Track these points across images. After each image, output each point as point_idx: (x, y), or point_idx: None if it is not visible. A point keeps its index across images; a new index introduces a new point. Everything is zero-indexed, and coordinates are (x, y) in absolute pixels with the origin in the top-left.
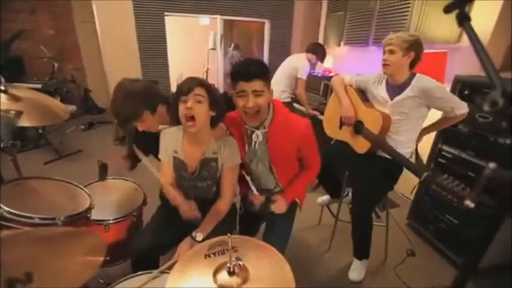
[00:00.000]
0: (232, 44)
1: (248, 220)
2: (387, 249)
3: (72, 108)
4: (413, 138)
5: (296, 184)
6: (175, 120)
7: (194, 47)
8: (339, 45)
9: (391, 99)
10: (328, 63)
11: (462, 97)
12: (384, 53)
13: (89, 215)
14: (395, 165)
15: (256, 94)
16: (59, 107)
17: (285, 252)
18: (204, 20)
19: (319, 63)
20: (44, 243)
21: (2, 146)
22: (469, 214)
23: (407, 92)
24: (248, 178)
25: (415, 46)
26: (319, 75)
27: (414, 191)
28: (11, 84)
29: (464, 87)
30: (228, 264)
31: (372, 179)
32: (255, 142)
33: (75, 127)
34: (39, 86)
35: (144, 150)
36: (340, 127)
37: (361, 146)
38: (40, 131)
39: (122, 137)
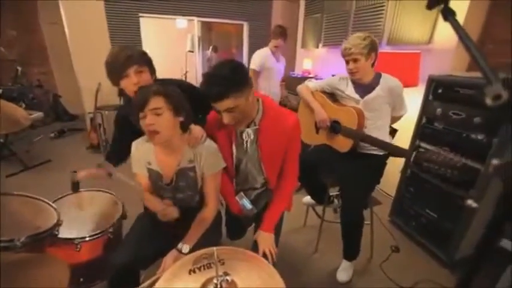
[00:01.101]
0: (211, 47)
1: (234, 224)
2: (372, 246)
3: (38, 115)
4: (387, 131)
5: (272, 212)
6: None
7: (171, 50)
8: (318, 46)
9: (362, 97)
10: (308, 64)
11: (436, 96)
12: (348, 62)
13: (56, 233)
14: (378, 159)
15: (229, 111)
16: (19, 114)
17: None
18: (181, 22)
19: (282, 43)
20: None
21: None
22: (446, 207)
23: (377, 91)
24: (238, 199)
25: (373, 47)
26: (299, 76)
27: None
28: None
29: (438, 87)
30: (215, 281)
31: (359, 177)
32: (245, 141)
33: (44, 135)
34: (0, 91)
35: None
36: (317, 132)
37: (342, 144)
38: (1, 140)
39: (97, 144)
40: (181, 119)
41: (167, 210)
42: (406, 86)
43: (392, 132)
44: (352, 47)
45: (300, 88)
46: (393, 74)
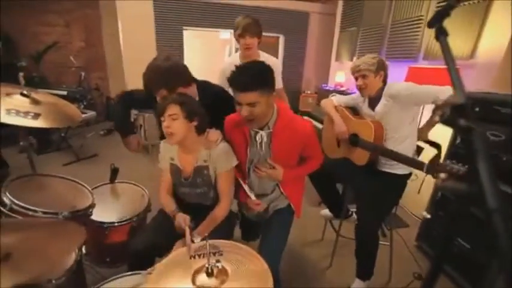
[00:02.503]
0: None
1: (248, 226)
2: (392, 270)
3: (91, 114)
4: (409, 144)
5: (297, 168)
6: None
7: (211, 59)
8: (352, 60)
9: (373, 111)
10: (340, 77)
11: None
12: (356, 79)
13: (89, 213)
14: (397, 178)
15: (251, 105)
16: (73, 112)
17: (280, 261)
18: (225, 33)
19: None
20: (25, 230)
21: (20, 144)
22: (481, 238)
23: (382, 101)
24: (245, 186)
25: (381, 66)
26: (331, 89)
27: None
28: (33, 89)
29: (474, 105)
30: (207, 265)
31: (375, 196)
32: (259, 143)
33: (95, 132)
34: (65, 92)
35: None
36: (338, 145)
37: (359, 157)
38: (63, 134)
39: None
40: (195, 123)
41: (183, 226)
42: None
43: (418, 149)
44: (361, 64)
45: (324, 102)
46: None
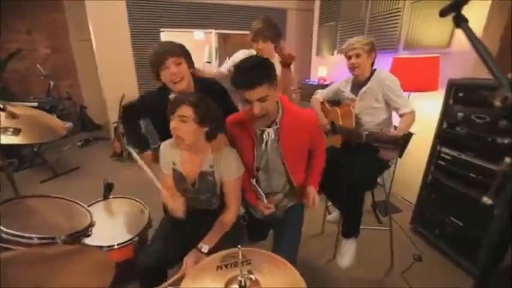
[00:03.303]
0: (227, 57)
1: (255, 226)
2: (393, 255)
3: (69, 125)
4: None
5: (314, 172)
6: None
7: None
8: (333, 54)
9: (356, 94)
10: (323, 72)
11: (456, 100)
12: (350, 57)
13: (89, 233)
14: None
15: (261, 100)
16: (56, 124)
17: (296, 258)
18: (198, 34)
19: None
20: (45, 262)
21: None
22: (473, 214)
23: (368, 85)
24: (258, 188)
25: (373, 48)
26: (315, 83)
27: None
28: (7, 102)
29: (458, 90)
30: (240, 278)
31: (365, 160)
32: (266, 141)
33: (72, 144)
34: (35, 104)
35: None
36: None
37: (335, 140)
38: (35, 149)
39: (120, 152)
40: (206, 129)
41: (176, 207)
42: (425, 90)
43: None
44: (356, 43)
45: (312, 100)
46: (412, 79)
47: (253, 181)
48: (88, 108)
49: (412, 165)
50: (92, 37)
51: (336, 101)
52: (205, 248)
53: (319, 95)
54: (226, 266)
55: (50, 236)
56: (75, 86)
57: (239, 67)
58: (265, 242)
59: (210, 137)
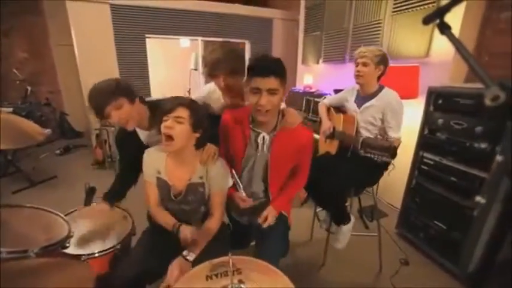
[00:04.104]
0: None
1: (237, 234)
2: (381, 259)
3: (47, 131)
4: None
5: (285, 194)
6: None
7: (176, 68)
8: (318, 62)
9: (359, 107)
10: (308, 80)
11: (436, 107)
12: (358, 64)
13: (67, 245)
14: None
15: (270, 92)
16: (33, 129)
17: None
18: (184, 41)
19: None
20: (18, 278)
21: None
22: (455, 217)
23: (372, 102)
24: (236, 177)
25: (383, 61)
26: (301, 91)
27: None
28: None
29: (438, 98)
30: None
31: (355, 169)
32: (258, 145)
33: (50, 152)
34: (10, 109)
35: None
36: (325, 140)
37: (332, 146)
38: (9, 157)
39: (102, 160)
40: (197, 135)
41: (192, 239)
42: (406, 97)
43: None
44: (367, 51)
45: (320, 107)
46: (393, 87)
47: (234, 172)
48: (69, 115)
49: (396, 170)
50: (74, 42)
51: (342, 109)
52: (191, 256)
53: (326, 100)
54: (216, 275)
55: (22, 250)
56: (55, 92)
57: (259, 57)
58: (247, 250)
59: (199, 143)
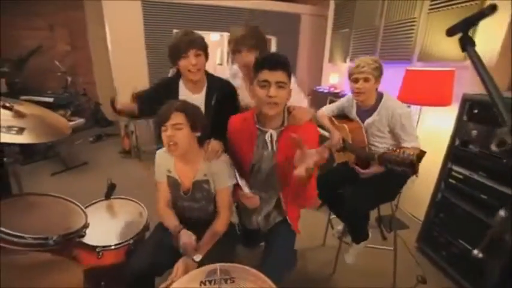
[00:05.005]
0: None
1: (249, 233)
2: (396, 273)
3: (79, 121)
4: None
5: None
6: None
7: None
8: (345, 61)
9: (362, 121)
10: (334, 79)
11: (471, 116)
12: (357, 81)
13: (83, 234)
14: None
15: (279, 85)
16: (62, 123)
17: (283, 276)
18: (215, 36)
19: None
20: (21, 272)
21: (4, 161)
22: (482, 238)
23: (374, 116)
24: (237, 176)
25: (381, 71)
26: (325, 91)
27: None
28: (17, 100)
29: (473, 107)
30: None
31: (375, 185)
32: (266, 143)
33: (84, 139)
34: (51, 99)
35: None
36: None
37: (349, 157)
38: (49, 142)
39: (128, 149)
40: (198, 134)
41: (190, 246)
42: (437, 104)
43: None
44: (365, 65)
45: (319, 118)
46: (424, 92)
47: (235, 171)
48: (102, 105)
49: (421, 181)
50: (107, 36)
51: (342, 116)
52: (197, 257)
53: (325, 111)
54: (210, 281)
55: (43, 237)
56: (91, 83)
57: (268, 54)
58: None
59: (202, 141)
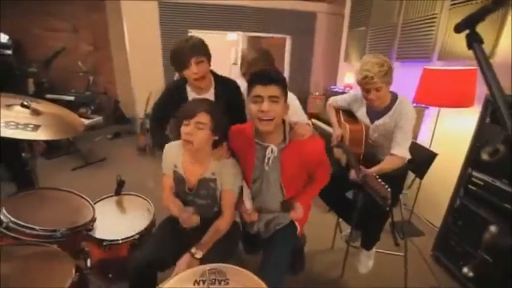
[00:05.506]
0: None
1: (249, 237)
2: (407, 283)
3: (98, 119)
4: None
5: (308, 192)
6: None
7: (217, 62)
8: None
9: (372, 122)
10: (350, 79)
11: (495, 119)
12: (368, 91)
13: (90, 228)
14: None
15: (272, 100)
16: (76, 121)
17: (281, 280)
18: (232, 35)
19: None
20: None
21: (23, 156)
22: (504, 250)
23: (385, 118)
24: (246, 189)
25: (391, 72)
26: (340, 90)
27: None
28: (35, 99)
29: (496, 108)
30: None
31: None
32: (268, 158)
33: (103, 136)
34: (72, 98)
35: None
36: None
37: (342, 158)
38: (71, 139)
39: (144, 146)
40: (216, 137)
41: (190, 219)
42: (458, 106)
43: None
44: (374, 76)
45: (327, 108)
46: (444, 92)
47: (244, 184)
48: (121, 103)
49: (438, 185)
50: (126, 36)
51: (351, 113)
52: (199, 254)
53: (334, 101)
54: (204, 281)
55: (52, 229)
56: (111, 82)
57: (260, 70)
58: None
59: (216, 144)
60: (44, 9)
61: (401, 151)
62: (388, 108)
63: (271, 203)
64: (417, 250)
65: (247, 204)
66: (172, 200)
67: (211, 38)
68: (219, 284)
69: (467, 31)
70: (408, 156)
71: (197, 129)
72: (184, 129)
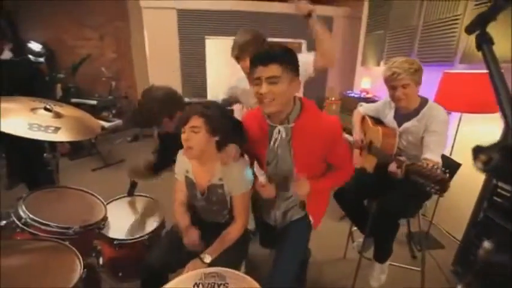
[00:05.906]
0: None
1: (266, 230)
2: None
3: (118, 122)
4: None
5: (324, 179)
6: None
7: (234, 67)
8: (379, 64)
9: (399, 125)
10: (366, 83)
11: None
12: (395, 88)
13: (102, 226)
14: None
15: (271, 82)
16: (94, 124)
17: (290, 279)
18: None
19: None
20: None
21: (44, 156)
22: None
23: (413, 122)
24: (257, 169)
25: (420, 71)
26: (356, 96)
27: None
28: (58, 102)
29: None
30: None
31: (397, 190)
32: (276, 139)
33: (123, 139)
34: (95, 102)
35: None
36: (360, 153)
37: (369, 163)
38: (93, 140)
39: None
40: (217, 138)
41: (193, 242)
42: (482, 112)
43: (453, 167)
44: (402, 72)
45: (353, 113)
46: (466, 97)
47: (256, 164)
48: None
49: (461, 196)
50: (146, 42)
51: (379, 120)
52: (207, 259)
53: (362, 108)
54: (203, 285)
55: (66, 226)
56: (132, 87)
57: (262, 49)
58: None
59: (220, 146)
60: (77, 19)
61: (433, 156)
62: (416, 112)
63: (286, 186)
64: (436, 264)
65: (261, 178)
66: (181, 214)
67: (228, 44)
68: (218, 287)
69: (477, 32)
70: (440, 162)
71: (193, 133)
72: (182, 137)
